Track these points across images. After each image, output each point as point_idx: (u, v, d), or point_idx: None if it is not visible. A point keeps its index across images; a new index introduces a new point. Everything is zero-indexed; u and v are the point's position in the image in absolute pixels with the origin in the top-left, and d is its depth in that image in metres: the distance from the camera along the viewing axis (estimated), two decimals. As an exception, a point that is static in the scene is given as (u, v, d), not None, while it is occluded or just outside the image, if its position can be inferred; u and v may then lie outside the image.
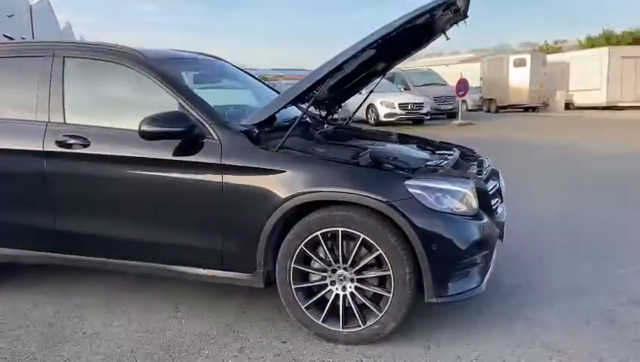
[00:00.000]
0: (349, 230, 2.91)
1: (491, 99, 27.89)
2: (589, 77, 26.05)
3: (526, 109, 27.25)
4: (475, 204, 3.02)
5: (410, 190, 2.86)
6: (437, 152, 3.81)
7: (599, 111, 25.16)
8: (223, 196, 3.08)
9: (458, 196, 2.97)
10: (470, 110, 25.77)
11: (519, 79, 26.25)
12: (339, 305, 3.02)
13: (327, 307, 3.02)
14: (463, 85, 19.40)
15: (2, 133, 3.48)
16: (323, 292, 3.04)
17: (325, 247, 2.98)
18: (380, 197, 2.84)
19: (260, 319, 3.38)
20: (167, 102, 3.31)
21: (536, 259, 4.40)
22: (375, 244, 2.87)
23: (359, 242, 2.91)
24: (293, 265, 3.03)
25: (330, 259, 2.99)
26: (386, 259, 2.87)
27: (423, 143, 4.14)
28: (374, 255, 2.90)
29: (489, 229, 3.08)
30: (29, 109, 3.46)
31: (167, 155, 3.16)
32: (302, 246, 3.00)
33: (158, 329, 3.27)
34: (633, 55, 25.95)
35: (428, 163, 3.37)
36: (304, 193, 2.94)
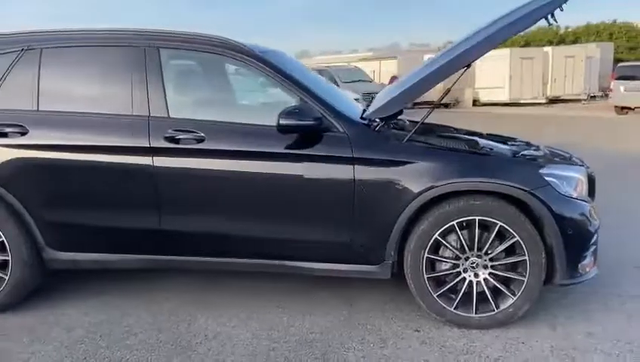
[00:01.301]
0: (486, 218, 3.02)
1: (408, 96, 28.92)
2: (494, 76, 27.72)
3: (438, 106, 28.48)
4: (586, 188, 3.23)
5: (546, 178, 3.02)
6: (516, 144, 3.98)
7: (502, 107, 26.93)
8: (354, 189, 3.08)
9: (576, 182, 3.17)
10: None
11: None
12: (467, 292, 3.12)
13: (460, 294, 3.11)
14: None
15: (96, 129, 3.24)
16: (457, 280, 3.13)
17: (461, 236, 3.06)
18: (521, 186, 2.97)
19: (376, 311, 3.40)
20: (277, 95, 3.26)
21: None
22: (512, 231, 3.00)
23: (496, 230, 3.02)
24: (426, 255, 3.09)
25: (466, 247, 3.08)
26: (523, 245, 3.01)
27: (494, 136, 4.30)
28: (511, 241, 3.02)
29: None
30: (124, 103, 3.25)
31: (295, 150, 3.11)
32: (436, 235, 3.06)
33: (281, 326, 3.21)
34: (529, 56, 28.00)
35: (524, 153, 3.51)
36: (446, 183, 3.00)
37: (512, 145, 3.82)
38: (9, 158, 3.22)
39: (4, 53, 3.37)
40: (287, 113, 2.99)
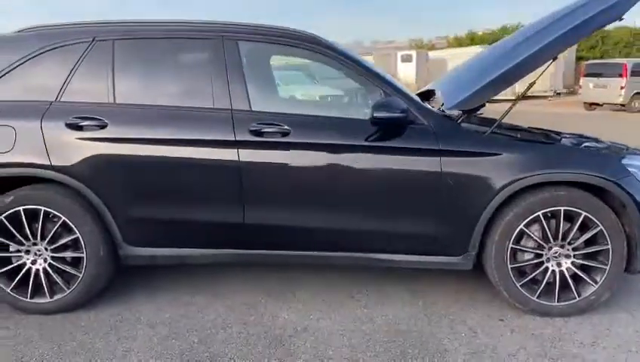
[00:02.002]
0: (571, 208, 3.09)
1: (384, 92, 29.46)
2: None
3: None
4: None
5: (629, 169, 3.11)
6: (570, 136, 4.07)
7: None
8: (441, 181, 3.11)
9: None
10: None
11: (407, 73, 27.92)
12: (547, 281, 3.19)
13: (543, 283, 3.19)
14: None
15: (177, 122, 3.18)
16: (540, 270, 3.20)
17: (546, 226, 3.13)
18: (608, 177, 3.05)
19: (450, 301, 3.46)
20: (357, 87, 3.28)
21: None
22: (596, 221, 3.09)
23: (580, 219, 3.10)
24: (511, 245, 3.15)
25: (550, 237, 3.15)
26: (607, 234, 3.09)
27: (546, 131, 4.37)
28: (594, 231, 3.11)
29: None
30: (204, 96, 3.21)
31: (381, 142, 3.13)
32: (521, 226, 3.13)
33: (365, 318, 3.23)
34: None
35: (597, 145, 3.60)
36: (533, 175, 3.06)
37: (575, 138, 3.88)
38: (88, 153, 3.13)
39: (72, 44, 3.28)
40: (380, 106, 3.00)
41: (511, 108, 3.33)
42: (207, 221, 3.23)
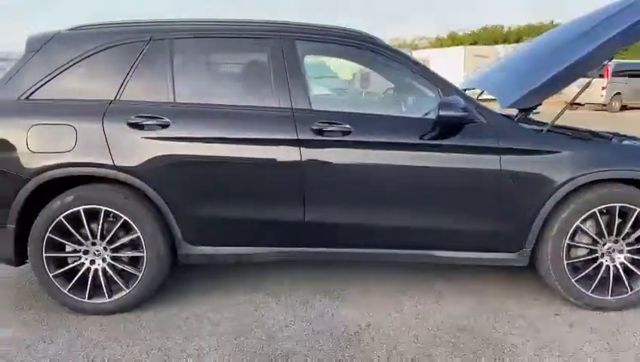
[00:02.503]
0: (627, 205, 3.18)
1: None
2: (449, 71, 28.74)
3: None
4: None
5: None
6: (613, 135, 4.12)
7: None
8: (500, 178, 3.17)
9: None
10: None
11: (392, 72, 28.31)
12: (601, 276, 3.28)
13: (597, 278, 3.27)
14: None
15: (240, 121, 3.19)
16: (594, 265, 3.28)
17: (601, 222, 3.22)
18: None
19: (502, 297, 3.53)
20: (415, 87, 3.32)
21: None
22: (653, 217, 3.18)
23: (635, 215, 3.19)
24: (567, 242, 3.23)
25: (605, 233, 3.24)
26: (659, 229, 3.19)
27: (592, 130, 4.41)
28: (649, 226, 3.20)
29: None
30: (264, 95, 3.24)
31: (442, 140, 3.18)
32: (578, 222, 3.20)
33: (424, 315, 3.28)
34: (482, 54, 29.09)
35: (624, 141, 3.67)
36: (591, 172, 3.14)
37: (617, 137, 3.93)
38: (151, 152, 3.12)
39: (130, 43, 3.27)
40: (446, 105, 3.05)
41: (564, 110, 3.40)
42: (267, 219, 3.24)
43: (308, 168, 3.16)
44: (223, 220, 3.24)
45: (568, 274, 3.27)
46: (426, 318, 3.23)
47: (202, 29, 3.35)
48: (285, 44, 3.26)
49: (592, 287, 3.28)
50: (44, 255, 3.17)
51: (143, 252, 3.20)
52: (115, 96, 3.20)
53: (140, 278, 3.22)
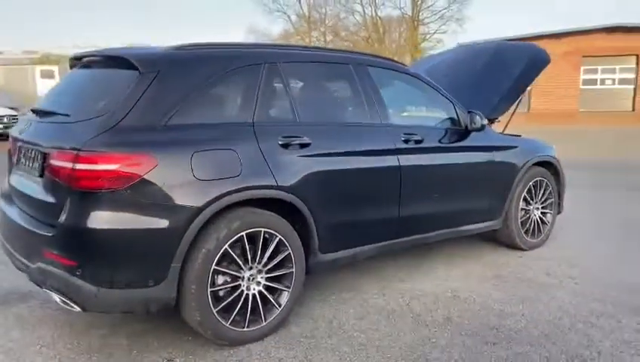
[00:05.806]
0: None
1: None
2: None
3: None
4: None
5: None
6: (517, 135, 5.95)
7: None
8: (495, 167, 4.56)
9: None
10: None
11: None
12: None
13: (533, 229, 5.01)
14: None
15: (356, 136, 3.66)
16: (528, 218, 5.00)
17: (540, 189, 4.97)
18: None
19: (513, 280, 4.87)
20: (434, 104, 4.46)
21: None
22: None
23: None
24: (521, 206, 4.86)
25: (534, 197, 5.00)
26: None
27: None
28: None
29: None
30: (359, 113, 3.81)
31: (472, 143, 4.37)
32: (524, 193, 4.88)
33: (452, 302, 4.36)
34: None
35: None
36: (534, 157, 4.81)
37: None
38: (303, 170, 3.26)
39: (250, 66, 3.32)
40: (475, 118, 4.24)
41: (509, 120, 5.01)
42: (377, 219, 3.78)
43: (403, 172, 3.86)
44: (348, 225, 3.62)
45: (521, 231, 4.89)
46: (452, 308, 4.31)
47: (303, 55, 3.66)
48: (358, 70, 3.85)
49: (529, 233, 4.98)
50: (208, 290, 2.96)
51: (293, 268, 3.30)
52: (252, 118, 3.22)
53: (290, 294, 3.31)
